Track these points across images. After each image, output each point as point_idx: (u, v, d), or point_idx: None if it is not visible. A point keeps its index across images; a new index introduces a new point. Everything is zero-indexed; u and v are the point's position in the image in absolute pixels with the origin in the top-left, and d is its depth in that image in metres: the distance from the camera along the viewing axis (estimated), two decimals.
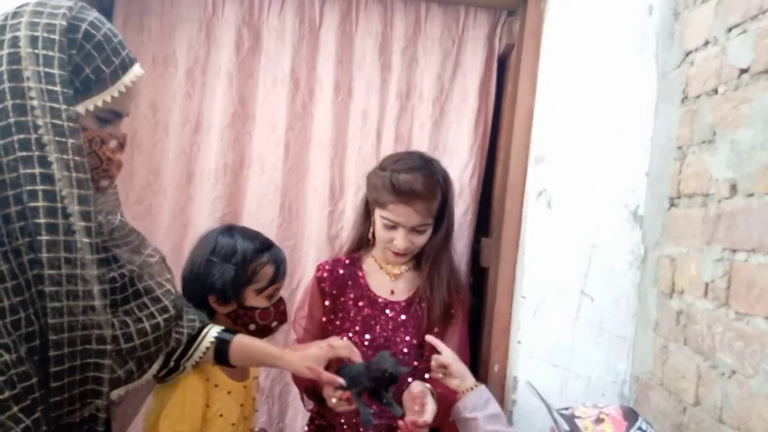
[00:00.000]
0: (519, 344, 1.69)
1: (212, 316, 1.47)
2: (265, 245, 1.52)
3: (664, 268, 1.50)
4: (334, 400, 1.40)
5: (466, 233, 2.09)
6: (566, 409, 1.22)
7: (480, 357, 1.95)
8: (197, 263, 1.49)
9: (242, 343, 1.34)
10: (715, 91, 1.33)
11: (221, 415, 1.45)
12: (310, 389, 1.66)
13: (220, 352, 1.32)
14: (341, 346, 1.36)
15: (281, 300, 1.55)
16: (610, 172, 1.67)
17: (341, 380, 1.32)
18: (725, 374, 1.19)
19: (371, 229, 1.74)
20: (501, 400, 1.78)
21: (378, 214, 1.67)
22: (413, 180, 1.60)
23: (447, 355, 1.50)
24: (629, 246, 1.66)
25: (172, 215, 2.07)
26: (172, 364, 1.29)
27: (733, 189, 1.22)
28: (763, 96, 1.13)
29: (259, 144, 2.07)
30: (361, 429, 1.67)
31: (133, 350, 1.12)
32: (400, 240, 1.64)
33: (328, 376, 1.32)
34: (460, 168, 2.07)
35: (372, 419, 1.34)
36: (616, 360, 1.66)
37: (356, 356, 1.37)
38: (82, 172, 0.97)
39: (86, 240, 0.98)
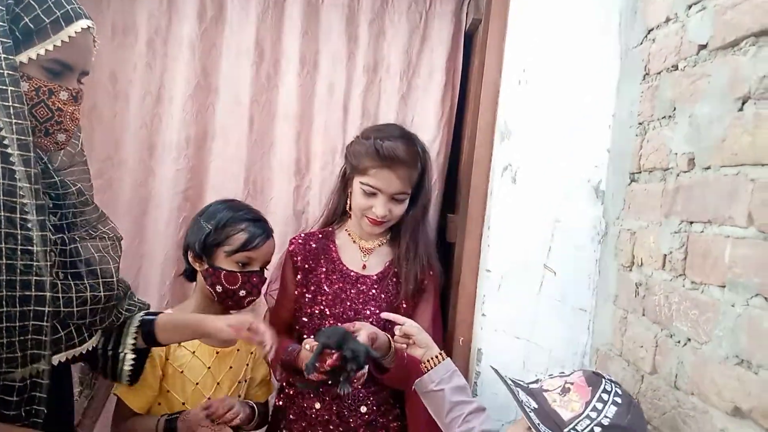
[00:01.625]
0: (483, 317, 1.72)
1: (194, 276, 1.66)
2: (249, 216, 1.63)
3: (625, 242, 1.53)
4: (308, 346, 1.52)
5: (433, 209, 2.10)
6: (536, 382, 1.23)
7: (446, 330, 1.97)
8: (190, 224, 1.69)
9: (165, 320, 1.36)
10: (675, 67, 1.35)
11: (182, 372, 1.55)
12: (287, 362, 1.67)
13: (148, 334, 1.33)
14: (262, 331, 1.34)
15: (257, 273, 1.62)
16: (574, 148, 1.70)
17: (269, 338, 1.33)
18: (681, 342, 1.23)
19: (348, 201, 1.75)
20: (466, 372, 1.81)
21: (357, 182, 1.69)
22: (396, 146, 1.65)
23: (410, 324, 1.52)
24: (591, 221, 1.69)
25: (132, 189, 2.03)
26: (110, 351, 1.30)
27: (691, 162, 1.25)
28: (720, 71, 1.16)
29: (222, 117, 2.04)
30: (327, 398, 1.68)
31: (71, 315, 1.12)
32: (380, 207, 1.66)
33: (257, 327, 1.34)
34: (427, 143, 2.06)
35: (312, 369, 1.45)
36: (578, 332, 1.70)
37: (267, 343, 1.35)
38: (22, 119, 0.98)
39: (26, 185, 0.99)
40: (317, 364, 1.46)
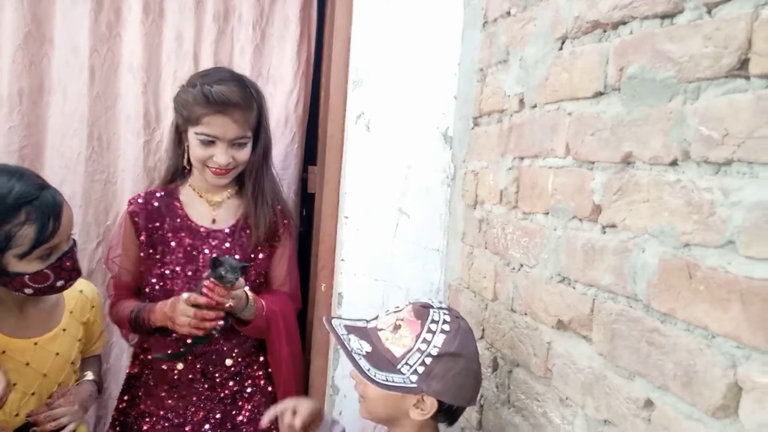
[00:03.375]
0: (343, 262, 1.76)
1: None
2: (26, 196, 1.24)
3: (469, 183, 1.62)
4: (185, 295, 1.50)
5: (294, 162, 2.09)
6: (375, 318, 1.23)
7: (309, 279, 2.00)
8: None
9: None
10: (509, 13, 1.43)
11: (27, 364, 1.35)
12: (140, 322, 1.61)
13: None
14: None
15: (67, 254, 1.33)
16: (423, 95, 1.75)
17: None
18: (515, 268, 1.33)
19: (185, 155, 1.67)
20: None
21: (192, 133, 1.60)
22: (227, 90, 1.56)
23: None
24: (441, 165, 1.77)
25: None
26: None
27: (521, 103, 1.34)
28: (544, 14, 1.24)
29: (59, 68, 1.89)
30: (189, 357, 1.65)
31: None
32: (221, 155, 1.59)
33: None
34: (285, 96, 2.06)
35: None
36: (432, 271, 1.79)
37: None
38: None
39: None
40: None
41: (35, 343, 1.40)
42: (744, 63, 0.73)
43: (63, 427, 1.39)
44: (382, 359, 1.12)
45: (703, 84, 0.80)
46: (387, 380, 1.08)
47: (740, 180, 0.73)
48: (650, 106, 0.90)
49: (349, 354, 1.12)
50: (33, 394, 1.40)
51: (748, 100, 0.72)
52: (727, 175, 0.75)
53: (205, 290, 1.47)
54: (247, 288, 1.58)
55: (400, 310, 1.19)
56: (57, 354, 1.45)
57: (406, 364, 1.11)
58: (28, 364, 1.38)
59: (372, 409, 1.19)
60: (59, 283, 1.33)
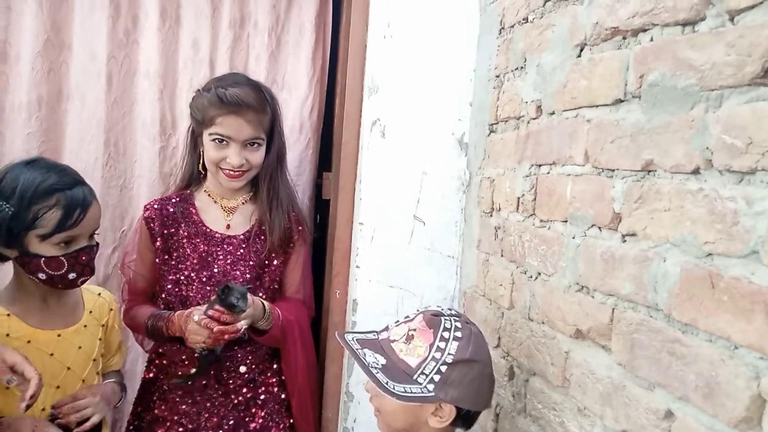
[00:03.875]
0: (358, 269, 1.75)
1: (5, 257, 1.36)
2: (60, 185, 1.33)
3: (485, 190, 1.62)
4: (196, 317, 1.50)
5: (308, 168, 2.10)
6: (386, 329, 1.23)
7: (323, 285, 2.00)
8: None
9: None
10: (526, 20, 1.43)
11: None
12: (156, 330, 1.61)
13: None
14: (29, 376, 1.20)
15: (86, 249, 1.38)
16: (438, 102, 1.75)
17: (34, 386, 1.19)
18: (532, 277, 1.32)
19: (201, 160, 1.69)
20: (342, 323, 1.85)
21: (207, 134, 1.62)
22: (241, 92, 1.59)
23: None
24: (456, 172, 1.77)
25: None
26: None
27: (539, 109, 1.33)
28: (562, 21, 1.24)
29: (77, 75, 1.91)
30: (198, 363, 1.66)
31: None
32: (234, 156, 1.60)
33: None
34: (300, 103, 2.07)
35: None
36: (446, 278, 1.78)
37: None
38: None
39: None
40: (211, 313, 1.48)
41: (59, 335, 1.43)
42: None
43: (86, 420, 1.41)
44: (398, 371, 1.11)
45: (726, 92, 0.79)
46: (405, 392, 1.08)
47: (764, 189, 0.72)
48: (671, 114, 0.89)
49: (366, 368, 1.11)
50: (58, 387, 1.42)
51: None
52: (750, 185, 0.74)
53: (215, 315, 1.47)
54: (263, 298, 1.59)
55: (411, 320, 1.19)
56: (80, 348, 1.47)
57: (422, 373, 1.10)
58: (52, 354, 1.41)
59: (390, 422, 1.19)
60: (71, 275, 1.37)
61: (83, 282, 1.42)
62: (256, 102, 1.60)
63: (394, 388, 1.08)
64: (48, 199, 1.31)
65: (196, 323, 1.49)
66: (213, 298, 1.51)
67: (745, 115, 0.75)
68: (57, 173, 1.36)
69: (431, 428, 1.15)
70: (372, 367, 1.12)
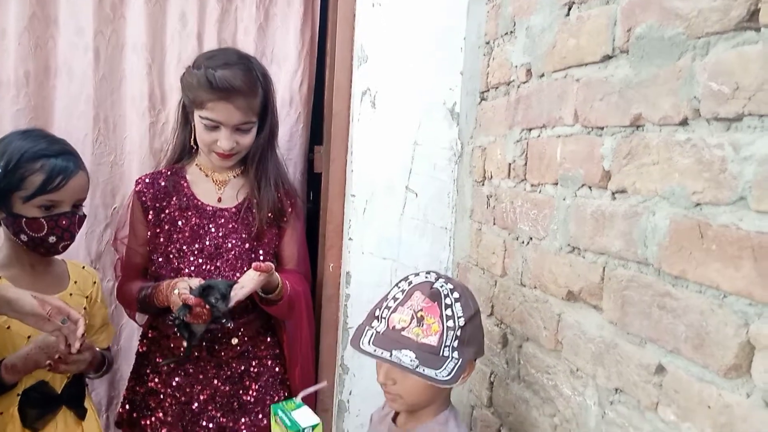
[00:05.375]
0: (350, 241, 1.75)
1: None
2: (48, 152, 1.41)
3: (477, 158, 1.61)
4: (176, 291, 1.49)
5: (300, 142, 2.08)
6: (376, 319, 1.19)
7: (317, 259, 1.99)
8: None
9: None
10: None
11: (8, 327, 1.38)
12: (146, 301, 1.61)
13: None
14: (75, 318, 1.28)
15: (65, 214, 1.42)
16: (429, 71, 1.74)
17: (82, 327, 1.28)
18: (524, 242, 1.32)
19: (192, 135, 1.67)
20: (336, 296, 1.84)
21: (197, 116, 1.60)
22: (231, 75, 1.54)
23: None
24: (448, 142, 1.76)
25: None
26: None
27: (529, 73, 1.32)
28: None
29: (64, 50, 1.88)
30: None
31: None
32: (224, 140, 1.59)
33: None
34: (290, 75, 2.04)
35: (183, 313, 1.48)
36: (440, 249, 1.77)
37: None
38: None
39: None
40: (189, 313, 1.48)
41: None
42: (753, 14, 0.71)
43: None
44: (427, 356, 1.11)
45: (713, 39, 0.78)
46: (449, 374, 1.09)
47: (751, 134, 0.71)
48: (659, 66, 0.88)
49: (414, 372, 1.09)
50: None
51: (758, 51, 0.70)
52: (738, 131, 0.73)
53: (194, 303, 1.46)
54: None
55: (406, 300, 1.16)
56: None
57: (445, 346, 1.12)
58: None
59: (414, 402, 1.20)
60: (51, 239, 1.42)
61: (64, 248, 1.46)
62: (246, 86, 1.56)
63: (439, 376, 1.08)
64: (34, 163, 1.39)
65: (176, 296, 1.49)
66: (198, 284, 1.50)
67: (731, 60, 0.74)
68: (47, 142, 1.44)
69: (440, 396, 1.20)
70: (417, 367, 1.09)
